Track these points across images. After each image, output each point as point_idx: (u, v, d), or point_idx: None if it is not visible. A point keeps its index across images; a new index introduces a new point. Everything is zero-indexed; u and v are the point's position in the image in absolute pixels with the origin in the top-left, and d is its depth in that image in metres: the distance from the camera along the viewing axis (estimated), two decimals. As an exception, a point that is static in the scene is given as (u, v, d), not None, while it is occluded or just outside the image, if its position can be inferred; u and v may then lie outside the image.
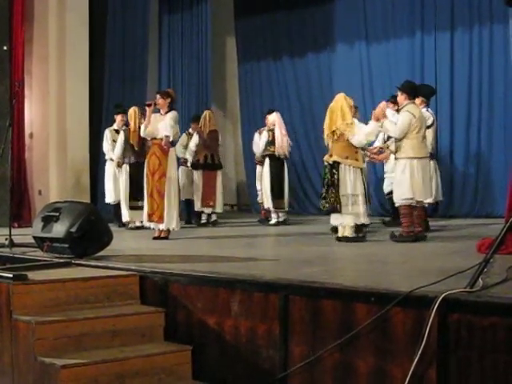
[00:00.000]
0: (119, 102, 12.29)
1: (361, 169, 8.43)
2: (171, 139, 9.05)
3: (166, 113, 9.10)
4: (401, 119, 8.26)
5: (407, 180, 8.10)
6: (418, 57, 12.79)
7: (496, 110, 11.91)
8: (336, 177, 8.27)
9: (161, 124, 9.03)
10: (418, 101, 9.10)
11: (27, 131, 12.07)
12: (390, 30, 13.17)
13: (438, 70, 12.48)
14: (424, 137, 8.39)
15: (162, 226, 9.01)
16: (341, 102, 8.40)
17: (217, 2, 15.34)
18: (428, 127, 9.35)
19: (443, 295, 3.99)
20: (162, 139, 8.97)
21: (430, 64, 12.56)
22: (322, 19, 14.15)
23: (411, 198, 8.11)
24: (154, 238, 9.00)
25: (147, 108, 9.20)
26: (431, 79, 11.99)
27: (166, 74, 15.12)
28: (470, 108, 12.26)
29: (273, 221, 11.56)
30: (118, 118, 11.48)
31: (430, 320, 3.96)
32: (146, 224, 9.28)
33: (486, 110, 12.08)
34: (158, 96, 9.25)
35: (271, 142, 11.65)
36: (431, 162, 9.57)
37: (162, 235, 9.05)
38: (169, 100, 9.13)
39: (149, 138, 9.38)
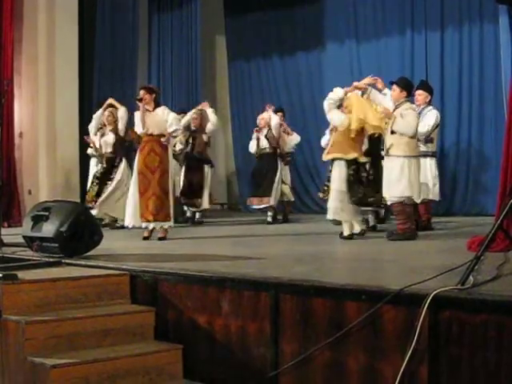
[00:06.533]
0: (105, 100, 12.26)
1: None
2: (179, 132, 8.83)
3: (154, 109, 8.80)
4: (411, 117, 8.17)
5: (398, 178, 8.09)
6: (408, 56, 12.80)
7: (486, 108, 11.95)
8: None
9: (160, 119, 8.75)
10: (426, 98, 9.34)
11: (17, 130, 12.02)
12: (380, 29, 13.18)
13: (429, 69, 12.49)
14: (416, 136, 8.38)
15: (169, 224, 8.72)
16: None
17: (207, 1, 15.31)
18: (436, 126, 9.38)
19: (434, 293, 3.98)
20: (159, 136, 8.69)
21: (421, 63, 12.58)
22: (311, 18, 14.15)
23: (401, 197, 8.12)
24: (160, 239, 8.67)
25: (139, 103, 8.83)
26: (422, 77, 11.98)
27: (156, 73, 15.10)
28: (460, 106, 12.29)
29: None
30: None
31: (421, 317, 3.96)
32: (143, 225, 8.83)
33: (477, 108, 12.12)
34: (142, 91, 8.85)
35: None
36: (432, 161, 9.54)
37: (161, 235, 8.74)
38: (154, 95, 8.82)
39: (141, 135, 8.95)
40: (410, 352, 4.00)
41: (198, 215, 11.73)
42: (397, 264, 6.10)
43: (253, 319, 4.96)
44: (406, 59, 12.81)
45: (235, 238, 9.16)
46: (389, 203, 8.40)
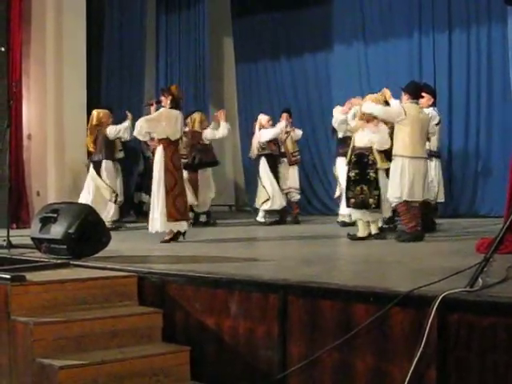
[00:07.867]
0: (113, 102, 12.29)
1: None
2: (129, 135, 8.89)
3: None
4: (392, 107, 8.46)
5: (397, 178, 8.17)
6: (415, 57, 12.79)
7: (494, 110, 11.93)
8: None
9: None
10: (428, 101, 9.39)
11: (25, 132, 12.02)
12: (388, 30, 13.17)
13: (437, 70, 12.47)
14: (421, 138, 8.39)
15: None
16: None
17: (214, 2, 15.34)
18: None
19: (443, 295, 3.97)
20: (159, 140, 8.59)
21: (429, 64, 12.56)
22: (319, 19, 14.14)
23: (399, 197, 8.16)
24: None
25: (151, 107, 8.85)
26: (429, 79, 11.97)
27: (164, 74, 15.14)
28: (468, 108, 12.27)
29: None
30: None
31: (430, 320, 3.95)
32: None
33: (485, 109, 12.09)
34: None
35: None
36: (435, 162, 9.53)
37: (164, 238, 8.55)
38: (170, 98, 8.56)
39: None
40: (418, 354, 3.98)
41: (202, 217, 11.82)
42: (405, 266, 6.08)
43: (261, 321, 4.95)
44: (413, 61, 12.79)
45: (243, 240, 9.16)
46: (392, 205, 8.45)
